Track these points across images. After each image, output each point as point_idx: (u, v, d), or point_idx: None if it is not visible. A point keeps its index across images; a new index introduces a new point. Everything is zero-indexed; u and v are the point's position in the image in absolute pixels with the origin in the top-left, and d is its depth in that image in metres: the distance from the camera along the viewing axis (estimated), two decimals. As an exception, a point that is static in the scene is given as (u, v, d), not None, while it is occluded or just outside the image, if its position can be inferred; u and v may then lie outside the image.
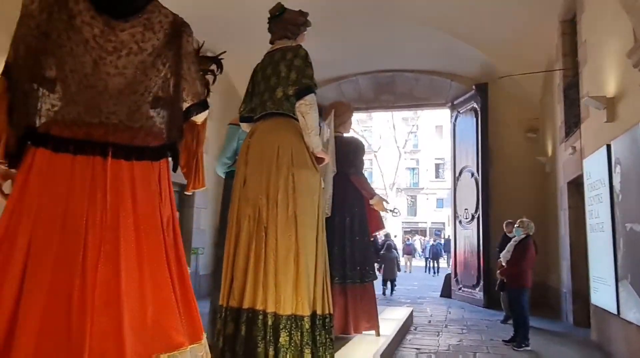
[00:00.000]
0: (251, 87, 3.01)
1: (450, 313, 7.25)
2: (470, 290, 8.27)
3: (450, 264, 10.21)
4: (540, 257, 5.98)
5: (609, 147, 4.61)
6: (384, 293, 9.91)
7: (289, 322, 2.52)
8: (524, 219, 5.17)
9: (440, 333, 5.59)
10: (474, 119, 8.43)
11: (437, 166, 34.07)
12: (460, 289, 8.67)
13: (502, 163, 8.35)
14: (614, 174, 4.53)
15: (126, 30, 1.88)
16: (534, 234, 5.13)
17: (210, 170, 3.51)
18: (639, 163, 3.95)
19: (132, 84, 1.89)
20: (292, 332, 2.52)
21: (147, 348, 1.68)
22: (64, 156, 1.75)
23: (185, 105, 2.07)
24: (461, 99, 8.90)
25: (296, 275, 2.57)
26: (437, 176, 34.05)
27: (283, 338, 2.49)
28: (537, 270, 5.79)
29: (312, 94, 2.67)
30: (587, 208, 5.41)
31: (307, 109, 2.65)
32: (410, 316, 5.89)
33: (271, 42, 2.99)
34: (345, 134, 4.19)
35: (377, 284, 10.49)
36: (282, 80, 2.75)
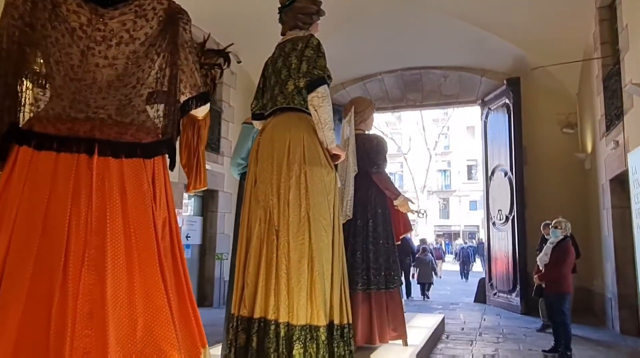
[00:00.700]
0: (262, 83, 2.87)
1: (484, 320, 6.90)
2: (506, 296, 7.89)
3: (484, 268, 9.83)
4: (582, 260, 5.62)
5: (656, 139, 4.24)
6: (424, 298, 10.12)
7: (303, 333, 2.33)
8: (561, 219, 4.83)
9: (474, 342, 5.26)
10: (506, 115, 8.08)
11: (470, 168, 33.47)
12: (495, 294, 8.29)
13: (537, 160, 7.98)
14: (663, 169, 4.15)
15: (116, 18, 1.75)
16: (573, 235, 4.78)
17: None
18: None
19: (123, 76, 1.76)
20: (307, 343, 2.32)
21: (136, 362, 1.51)
22: (47, 154, 1.62)
23: (183, 98, 1.92)
24: (492, 95, 8.58)
25: (310, 282, 2.38)
26: (469, 178, 33.46)
27: (297, 350, 2.30)
28: (578, 274, 5.41)
29: (325, 86, 2.48)
30: (634, 207, 5.01)
31: (319, 102, 2.46)
32: (442, 323, 5.60)
33: (282, 34, 2.83)
34: (366, 132, 3.98)
35: (415, 289, 10.50)
36: (293, 72, 2.58)
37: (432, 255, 11.89)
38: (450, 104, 10.02)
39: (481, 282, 9.09)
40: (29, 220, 1.53)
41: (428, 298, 10.23)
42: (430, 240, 24.57)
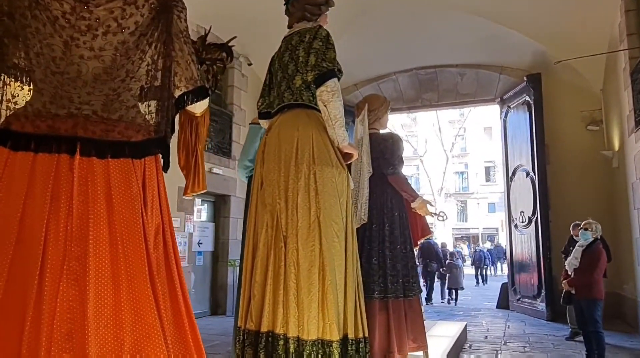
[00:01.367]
0: (268, 79, 2.70)
1: (508, 327, 6.59)
2: (530, 301, 7.57)
3: (509, 272, 9.53)
4: (611, 263, 5.30)
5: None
6: (448, 302, 10.16)
7: (314, 348, 2.14)
8: (591, 220, 4.53)
9: (499, 352, 4.98)
10: (527, 113, 7.79)
11: (487, 169, 33.01)
12: (519, 300, 7.97)
13: (560, 159, 7.68)
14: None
15: (102, 5, 1.59)
16: (603, 237, 4.49)
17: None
18: None
19: (110, 69, 1.59)
20: (319, 360, 2.11)
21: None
22: (24, 155, 1.47)
23: (178, 92, 1.74)
24: (511, 92, 8.29)
25: (322, 292, 2.19)
26: (487, 180, 32.99)
27: (308, 367, 2.09)
28: (607, 278, 5.10)
29: (335, 79, 2.30)
30: (668, 206, 4.70)
31: (329, 96, 2.28)
32: (464, 331, 5.33)
33: (289, 27, 2.65)
34: (381, 131, 3.78)
35: (437, 293, 10.33)
36: (301, 66, 2.40)
37: (462, 260, 11.88)
38: (468, 103, 9.74)
39: (504, 287, 8.78)
40: (2, 228, 1.37)
41: (455, 304, 10.11)
42: (449, 243, 24.18)
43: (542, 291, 7.22)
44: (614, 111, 7.00)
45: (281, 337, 2.16)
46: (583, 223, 4.56)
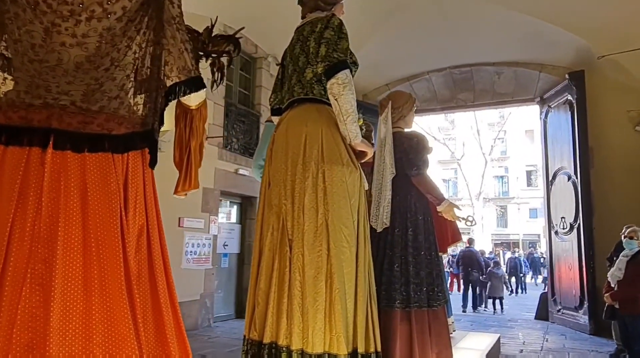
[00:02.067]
0: (280, 73, 2.56)
1: (547, 340, 6.20)
2: (572, 313, 7.12)
3: (548, 280, 9.05)
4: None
5: None
6: (493, 312, 10.00)
7: (319, 364, 1.95)
8: (636, 228, 4.18)
9: (535, 367, 4.65)
10: (569, 113, 7.35)
11: (529, 173, 31.90)
12: (559, 311, 7.52)
13: (605, 163, 7.20)
14: None
15: (86, -12, 1.47)
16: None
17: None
18: None
19: (94, 57, 1.48)
20: (325, 376, 1.94)
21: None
22: None
23: (169, 83, 1.61)
24: (552, 91, 7.86)
25: (329, 302, 2.02)
26: (528, 184, 31.87)
27: (312, 384, 1.92)
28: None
29: (347, 71, 2.13)
30: None
31: (339, 89, 2.11)
32: (497, 344, 5.00)
33: (303, 17, 2.50)
34: (406, 130, 3.57)
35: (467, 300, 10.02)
36: (312, 58, 2.24)
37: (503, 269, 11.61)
38: (505, 103, 9.32)
39: (543, 297, 8.33)
40: (-36, 227, 1.27)
41: (502, 311, 9.97)
42: (488, 250, 23.41)
43: (585, 302, 6.77)
44: (665, 110, 6.51)
45: (284, 349, 2.00)
46: (628, 230, 4.21)
